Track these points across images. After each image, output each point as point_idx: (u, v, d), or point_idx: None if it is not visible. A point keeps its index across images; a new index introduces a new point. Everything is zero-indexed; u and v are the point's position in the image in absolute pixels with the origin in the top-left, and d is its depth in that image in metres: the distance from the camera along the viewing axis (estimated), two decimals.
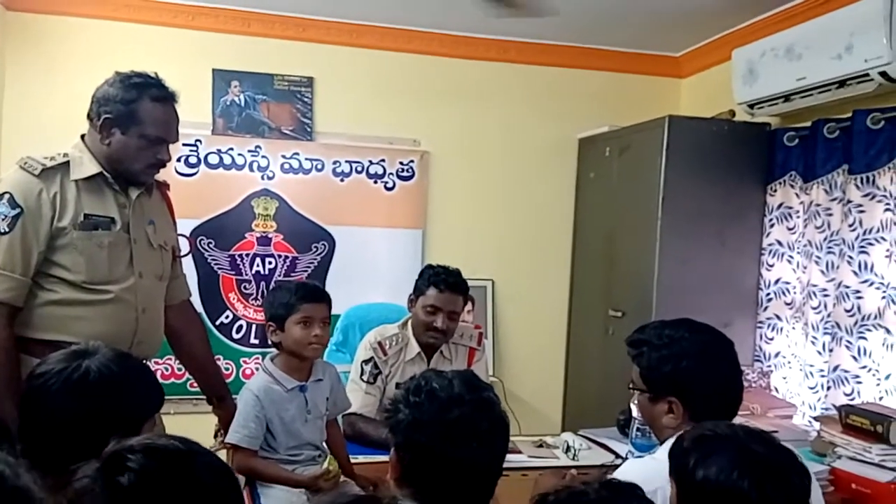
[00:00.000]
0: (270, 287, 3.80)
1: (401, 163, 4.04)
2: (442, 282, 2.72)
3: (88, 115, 2.15)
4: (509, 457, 1.98)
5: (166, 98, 2.16)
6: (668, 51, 4.21)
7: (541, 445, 2.65)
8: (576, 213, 4.23)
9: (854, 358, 2.93)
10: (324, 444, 2.33)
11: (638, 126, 3.62)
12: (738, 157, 3.44)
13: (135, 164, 2.15)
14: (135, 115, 2.10)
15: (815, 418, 2.74)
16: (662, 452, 1.76)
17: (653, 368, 1.81)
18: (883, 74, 2.69)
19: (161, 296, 2.32)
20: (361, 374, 2.74)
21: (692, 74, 4.21)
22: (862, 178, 2.92)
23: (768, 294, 3.45)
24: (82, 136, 2.19)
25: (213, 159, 3.82)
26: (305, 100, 3.93)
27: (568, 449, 2.58)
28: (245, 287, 3.88)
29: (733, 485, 1.26)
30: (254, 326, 3.88)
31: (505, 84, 4.15)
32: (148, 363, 2.14)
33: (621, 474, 1.66)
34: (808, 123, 3.21)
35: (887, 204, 2.83)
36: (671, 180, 3.36)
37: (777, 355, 3.39)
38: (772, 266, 3.43)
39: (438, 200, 4.11)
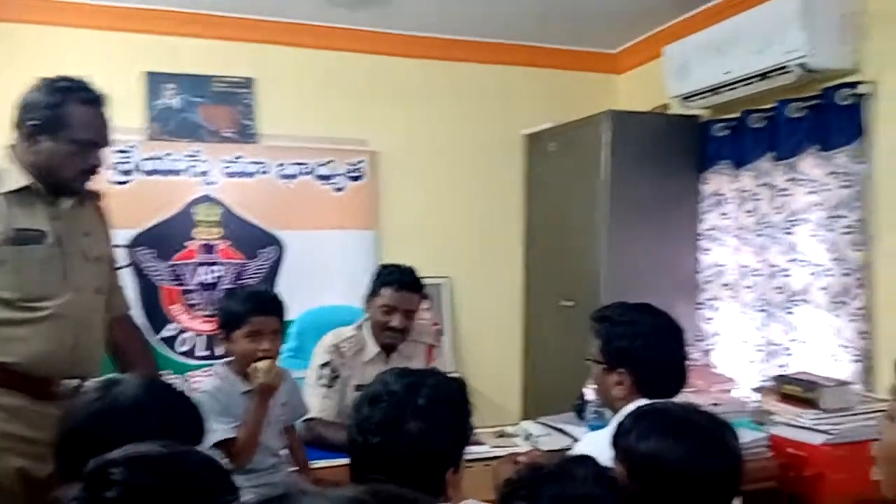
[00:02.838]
0: (219, 294, 3.79)
1: (349, 163, 4.13)
2: (396, 281, 2.81)
3: (15, 124, 2.14)
4: (472, 448, 2.10)
5: (95, 101, 2.17)
6: (605, 48, 4.51)
7: (501, 435, 2.80)
8: (526, 208, 4.48)
9: (785, 332, 3.31)
10: (283, 450, 2.37)
11: (580, 121, 3.94)
12: (674, 148, 3.80)
13: (66, 172, 2.14)
14: (63, 120, 2.10)
15: (754, 390, 3.07)
16: (614, 424, 2.07)
17: (610, 342, 2.11)
18: (802, 66, 3.03)
19: (100, 310, 2.31)
20: (319, 378, 2.81)
21: (628, 70, 4.53)
22: (786, 164, 3.29)
23: (706, 277, 3.82)
24: (11, 147, 2.16)
25: (149, 166, 3.80)
26: (246, 101, 3.98)
27: (528, 436, 2.76)
28: (189, 298, 3.87)
29: (673, 452, 1.40)
30: (200, 338, 3.88)
31: (450, 82, 4.34)
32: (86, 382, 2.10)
33: (578, 449, 1.91)
34: (736, 114, 3.58)
35: (809, 187, 3.20)
36: (613, 172, 3.70)
37: (716, 334, 3.77)
38: (708, 250, 3.81)
39: (389, 200, 4.24)
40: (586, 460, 1.26)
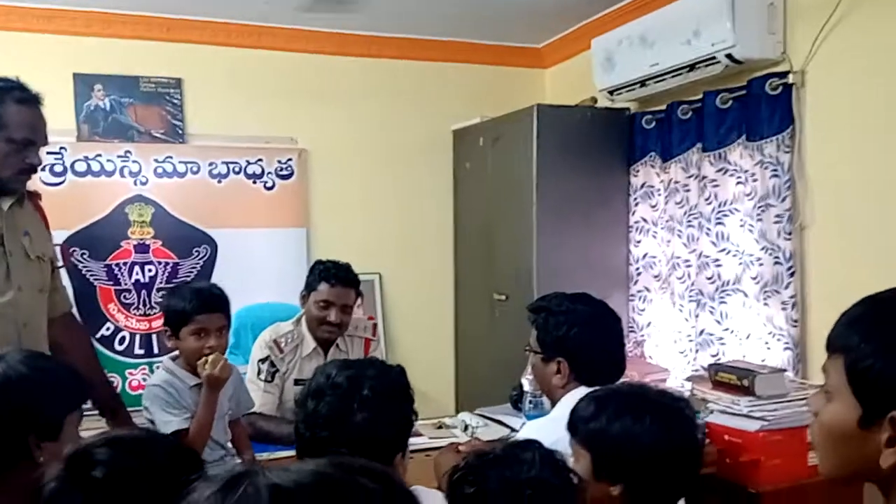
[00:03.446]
0: (157, 293, 3.71)
1: (279, 161, 3.98)
2: (332, 276, 2.73)
3: None
4: (411, 440, 2.03)
5: (30, 100, 2.08)
6: (531, 42, 4.35)
7: (440, 427, 2.71)
8: (455, 203, 4.32)
9: (717, 321, 3.15)
10: (228, 443, 2.30)
11: (508, 116, 3.74)
12: (602, 141, 3.63)
13: (4, 171, 2.06)
14: None
15: (687, 379, 2.93)
16: (556, 411, 1.93)
17: (548, 332, 2.02)
18: (729, 56, 2.88)
19: (43, 309, 2.23)
20: (259, 373, 2.72)
21: (555, 64, 4.37)
22: (714, 155, 3.14)
23: (637, 268, 3.65)
24: None
25: (81, 167, 3.66)
26: (175, 101, 3.81)
27: (466, 427, 2.66)
28: (125, 297, 3.73)
29: (645, 432, 1.35)
30: (137, 336, 3.75)
31: (378, 79, 4.17)
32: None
33: (520, 437, 1.79)
34: (664, 107, 3.42)
35: (739, 178, 3.05)
36: (542, 167, 3.50)
37: (648, 325, 3.60)
38: (639, 242, 3.64)
39: (320, 198, 4.09)
40: (532, 444, 1.19)
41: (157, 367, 2.36)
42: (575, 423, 1.45)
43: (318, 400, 1.38)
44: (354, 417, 1.35)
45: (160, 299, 3.55)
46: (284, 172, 4.00)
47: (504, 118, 3.79)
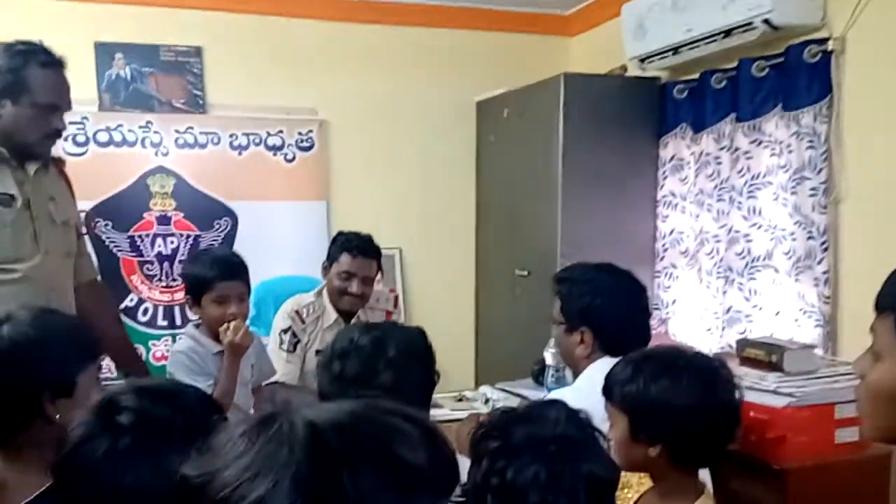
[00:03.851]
0: (178, 264, 3.71)
1: (300, 133, 3.95)
2: (355, 247, 2.74)
3: None
4: (433, 412, 2.04)
5: (55, 63, 2.11)
6: (557, 9, 4.26)
7: (461, 399, 2.74)
8: (478, 177, 4.27)
9: (746, 298, 3.10)
10: (251, 410, 2.32)
11: (534, 86, 3.67)
12: (631, 112, 3.56)
13: (30, 136, 2.09)
14: (24, 84, 2.04)
15: (714, 355, 2.89)
16: (580, 381, 1.93)
17: (571, 302, 2.00)
18: (766, 22, 2.79)
19: (69, 274, 2.29)
20: (281, 343, 2.75)
21: (582, 32, 4.27)
22: (749, 126, 3.06)
23: (664, 244, 3.59)
24: None
25: (103, 137, 3.66)
26: (195, 71, 3.79)
27: (487, 401, 2.66)
28: (148, 268, 3.76)
29: (684, 393, 1.36)
30: (160, 308, 3.77)
31: (401, 49, 4.11)
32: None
33: None
34: (697, 75, 3.34)
35: (773, 149, 2.98)
36: (569, 138, 3.44)
37: (674, 302, 3.55)
38: (666, 217, 3.58)
39: (340, 170, 4.06)
40: (556, 403, 1.18)
41: (180, 337, 2.40)
42: (611, 387, 1.45)
43: (343, 361, 1.41)
44: (380, 377, 1.39)
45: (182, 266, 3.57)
46: (305, 144, 3.97)
47: (529, 88, 3.72)
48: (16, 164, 2.10)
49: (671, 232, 3.56)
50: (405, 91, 4.12)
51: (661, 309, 3.59)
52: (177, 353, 2.24)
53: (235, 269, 2.26)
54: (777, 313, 2.99)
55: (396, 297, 3.03)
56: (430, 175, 4.21)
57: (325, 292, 2.82)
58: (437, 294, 4.25)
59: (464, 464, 1.22)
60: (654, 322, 3.44)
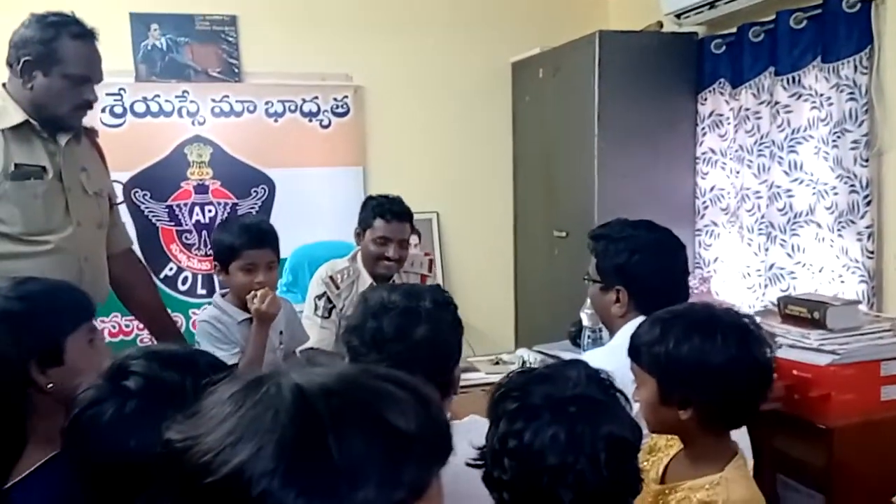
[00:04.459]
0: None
1: (335, 99, 3.94)
2: (388, 212, 2.73)
3: (7, 62, 2.10)
4: (468, 375, 2.04)
5: (86, 35, 2.10)
6: None
7: (497, 363, 2.74)
8: (514, 138, 4.22)
9: (788, 255, 3.05)
10: None
11: (569, 45, 3.61)
12: (669, 68, 3.49)
13: (61, 107, 2.09)
14: (55, 55, 2.04)
15: (756, 313, 2.85)
16: (616, 340, 1.90)
17: (607, 259, 1.96)
18: None
19: (102, 244, 2.30)
20: (315, 309, 2.75)
21: None
22: (788, 79, 2.99)
23: (704, 202, 3.54)
24: (4, 85, 2.12)
25: (140, 107, 3.68)
26: (230, 39, 3.79)
27: (523, 363, 2.65)
28: (186, 237, 3.79)
29: (718, 350, 1.30)
30: (199, 277, 3.82)
31: (434, 10, 4.05)
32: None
33: None
34: (734, 29, 3.26)
35: (813, 102, 2.92)
36: (605, 96, 3.39)
37: (715, 260, 3.51)
38: (706, 174, 3.52)
39: (376, 135, 4.04)
40: (578, 363, 1.16)
41: (205, 307, 2.44)
42: (637, 348, 1.40)
43: (379, 319, 1.40)
44: (418, 331, 1.39)
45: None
46: (340, 110, 3.97)
47: (564, 47, 3.66)
48: (47, 136, 2.11)
49: (711, 189, 3.51)
50: (440, 54, 4.08)
51: (702, 268, 3.55)
52: (202, 322, 2.26)
53: (264, 237, 2.25)
54: (820, 269, 2.94)
55: (431, 261, 3.02)
56: (467, 138, 4.17)
57: (359, 257, 2.82)
58: (476, 257, 4.24)
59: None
60: (695, 281, 3.43)
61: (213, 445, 0.61)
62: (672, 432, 1.41)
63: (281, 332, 2.33)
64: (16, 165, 2.04)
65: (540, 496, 1.03)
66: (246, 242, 2.18)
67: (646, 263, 1.91)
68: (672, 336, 1.33)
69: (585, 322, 2.53)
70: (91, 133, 2.34)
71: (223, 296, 2.30)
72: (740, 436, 1.88)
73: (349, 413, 0.62)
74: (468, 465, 1.10)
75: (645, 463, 1.44)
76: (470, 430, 1.18)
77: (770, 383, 1.38)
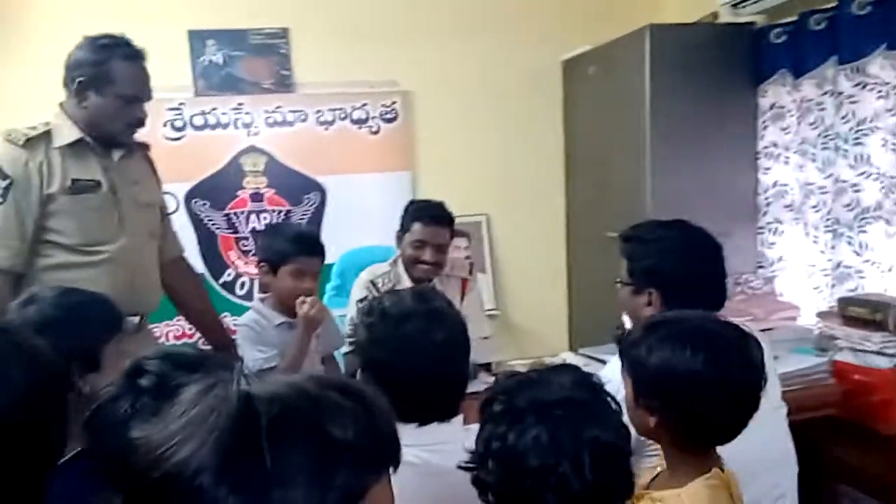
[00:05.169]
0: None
1: (383, 105, 3.98)
2: (426, 215, 2.73)
3: (64, 82, 2.22)
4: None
5: (136, 56, 2.21)
6: None
7: (539, 366, 2.65)
8: (565, 138, 4.16)
9: (856, 253, 2.90)
10: None
11: (619, 40, 3.53)
12: (726, 60, 3.37)
13: (114, 125, 2.20)
14: (108, 76, 2.15)
15: (817, 315, 2.72)
16: None
17: (638, 261, 1.92)
18: None
19: (154, 253, 2.41)
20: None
21: None
22: (852, 68, 2.86)
23: (767, 198, 3.40)
24: (61, 104, 2.24)
25: (199, 121, 3.80)
26: (282, 52, 3.87)
27: None
28: (243, 244, 3.89)
29: (687, 362, 1.24)
30: (256, 282, 3.85)
31: (480, 12, 4.02)
32: (145, 318, 2.34)
33: (606, 371, 1.73)
34: (794, 17, 3.13)
35: (879, 91, 2.78)
36: (657, 93, 3.30)
37: (779, 259, 3.36)
38: (769, 169, 3.38)
39: (425, 139, 4.05)
40: (568, 368, 1.16)
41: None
42: (624, 347, 1.37)
43: (402, 323, 1.38)
44: (437, 332, 1.38)
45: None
46: (389, 116, 4.00)
47: (614, 43, 3.57)
48: (101, 152, 2.22)
49: (774, 185, 3.37)
50: (488, 55, 4.05)
51: (765, 267, 3.41)
52: (241, 325, 2.33)
53: (317, 247, 2.35)
54: (890, 268, 2.79)
55: (472, 265, 2.99)
56: (517, 139, 4.13)
57: (399, 261, 2.82)
58: (527, 259, 4.19)
59: None
60: (758, 281, 3.31)
61: (161, 442, 0.66)
62: (647, 437, 1.37)
63: (317, 336, 2.36)
64: (72, 181, 2.16)
65: (524, 499, 1.04)
66: (300, 249, 2.27)
67: (677, 265, 1.85)
68: (649, 341, 1.30)
69: (628, 324, 2.45)
70: (143, 147, 2.44)
71: (263, 300, 2.37)
72: (782, 442, 1.79)
73: (287, 419, 0.66)
74: (459, 467, 1.11)
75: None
76: None
77: (749, 407, 1.29)
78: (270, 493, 0.63)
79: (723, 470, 1.30)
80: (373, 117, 3.98)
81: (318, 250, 2.33)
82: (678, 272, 1.84)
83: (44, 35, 3.47)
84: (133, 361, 1.15)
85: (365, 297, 2.76)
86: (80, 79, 2.15)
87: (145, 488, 0.67)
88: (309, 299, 2.20)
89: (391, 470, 0.74)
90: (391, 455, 0.74)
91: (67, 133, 2.17)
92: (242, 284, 3.91)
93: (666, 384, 1.26)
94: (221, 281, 3.88)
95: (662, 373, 1.26)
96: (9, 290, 2.09)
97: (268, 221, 3.89)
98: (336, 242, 3.63)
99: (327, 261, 3.45)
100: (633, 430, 1.20)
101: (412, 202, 2.87)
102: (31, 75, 3.29)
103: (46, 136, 2.16)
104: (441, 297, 1.53)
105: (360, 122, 3.97)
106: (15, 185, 2.10)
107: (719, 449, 1.39)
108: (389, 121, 4.01)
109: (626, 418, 1.17)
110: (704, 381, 1.24)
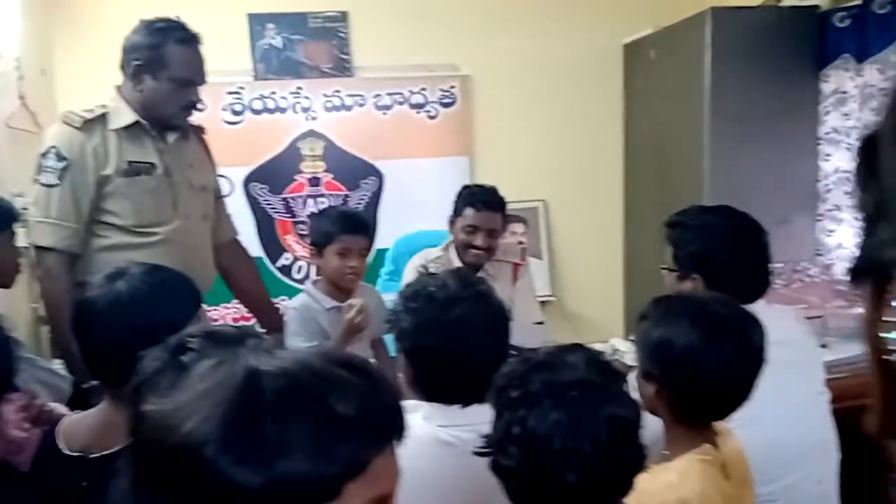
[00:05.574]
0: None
1: (441, 90, 4.03)
2: (478, 200, 2.76)
3: (121, 66, 2.27)
4: None
5: (190, 40, 2.26)
6: None
7: None
8: (625, 124, 4.17)
9: None
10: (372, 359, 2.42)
11: (681, 23, 3.52)
12: (787, 45, 3.35)
13: (168, 108, 2.27)
14: (162, 60, 2.21)
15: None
16: None
17: (682, 247, 1.97)
18: None
19: (207, 235, 2.48)
20: None
21: None
22: None
23: (827, 185, 3.38)
24: (117, 87, 2.30)
25: (258, 105, 3.89)
26: (341, 35, 3.94)
27: (615, 352, 2.65)
28: (301, 229, 3.98)
29: (685, 337, 1.32)
30: (313, 266, 4.00)
31: None
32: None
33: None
34: (859, 1, 3.10)
35: None
36: (718, 77, 3.30)
37: (838, 247, 3.34)
38: (829, 156, 3.36)
39: (483, 125, 4.09)
40: (578, 348, 1.17)
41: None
42: (636, 323, 1.46)
43: (454, 305, 1.43)
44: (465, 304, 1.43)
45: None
46: (447, 100, 4.05)
47: (676, 26, 3.57)
48: (156, 134, 2.28)
49: (835, 171, 3.35)
50: (548, 39, 4.06)
51: (823, 255, 3.40)
52: (291, 309, 2.41)
53: (360, 225, 2.42)
54: None
55: (524, 250, 3.04)
56: (576, 124, 4.15)
57: (451, 246, 2.88)
58: (584, 245, 4.23)
59: None
60: (816, 269, 3.31)
61: (169, 415, 0.71)
62: (651, 410, 1.41)
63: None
64: (128, 163, 2.22)
65: (546, 481, 1.07)
66: (343, 228, 2.34)
67: (721, 251, 1.89)
68: (654, 315, 1.39)
69: None
70: (198, 130, 2.50)
71: (315, 283, 2.44)
72: (823, 429, 1.84)
73: (291, 393, 0.71)
74: (475, 453, 1.14)
75: None
76: None
77: (744, 388, 1.36)
78: (273, 464, 0.68)
79: (717, 447, 1.36)
80: (431, 102, 4.03)
81: (361, 228, 2.40)
82: (721, 258, 1.89)
83: (108, 20, 3.50)
84: (177, 338, 1.17)
85: None
86: (136, 62, 2.21)
87: (155, 460, 0.72)
88: (359, 306, 2.26)
89: (395, 442, 0.78)
90: (395, 429, 0.78)
91: (123, 116, 2.23)
92: (299, 269, 4.01)
93: (664, 354, 1.34)
94: (279, 265, 3.98)
95: (662, 343, 1.35)
96: (65, 270, 2.16)
97: (325, 206, 3.93)
98: (393, 228, 3.80)
99: (382, 245, 3.64)
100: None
101: (465, 187, 2.91)
102: (94, 60, 3.37)
103: (103, 118, 2.22)
104: (481, 280, 1.58)
105: (418, 106, 4.03)
106: (71, 166, 2.16)
107: (757, 433, 1.44)
108: (448, 105, 4.06)
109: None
110: (700, 355, 1.31)
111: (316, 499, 0.71)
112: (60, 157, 2.17)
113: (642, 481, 1.15)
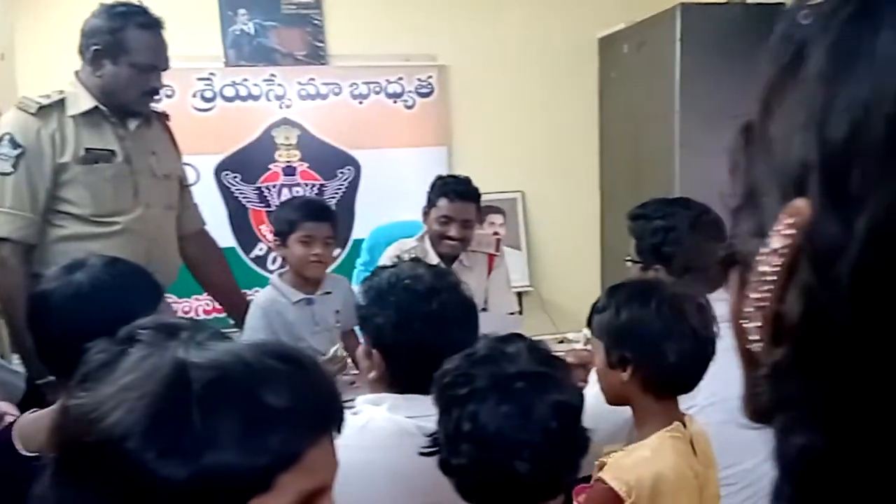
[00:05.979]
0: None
1: (419, 79, 4.03)
2: (452, 191, 2.80)
3: (79, 50, 2.23)
4: None
5: (152, 24, 2.22)
6: None
7: (562, 341, 2.78)
8: (601, 116, 4.23)
9: None
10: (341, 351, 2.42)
11: (652, 18, 3.60)
12: (754, 40, 3.46)
13: (128, 94, 2.23)
14: (122, 44, 2.17)
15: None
16: None
17: (645, 239, 2.05)
18: None
19: (171, 225, 2.43)
20: None
21: None
22: None
23: None
24: (76, 73, 2.25)
25: (229, 92, 3.84)
26: (315, 22, 3.92)
27: (587, 342, 2.73)
28: None
29: (653, 314, 1.37)
30: None
31: None
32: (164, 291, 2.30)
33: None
34: None
35: None
36: (687, 71, 3.40)
37: None
38: None
39: (461, 115, 4.12)
40: (515, 337, 1.20)
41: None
42: (590, 316, 1.49)
43: (434, 296, 1.44)
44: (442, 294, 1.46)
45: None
46: (424, 90, 4.06)
47: (648, 21, 3.65)
48: (116, 121, 2.24)
49: None
50: (525, 31, 4.11)
51: None
52: (255, 306, 2.39)
53: (323, 212, 2.42)
54: None
55: (499, 241, 3.10)
56: (552, 116, 4.19)
57: (426, 237, 2.92)
58: (562, 236, 4.29)
59: None
60: None
61: (94, 407, 0.70)
62: (620, 400, 1.45)
63: (338, 311, 2.45)
64: (86, 150, 2.18)
65: (498, 474, 1.08)
66: (305, 215, 2.34)
67: (682, 242, 1.98)
68: (615, 302, 1.43)
69: None
70: (162, 117, 2.46)
71: (281, 276, 2.44)
72: None
73: (219, 385, 0.71)
74: (421, 454, 1.14)
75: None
76: None
77: (703, 362, 1.41)
78: (200, 456, 0.67)
79: (685, 425, 1.41)
80: (408, 91, 4.04)
81: (324, 215, 2.39)
82: (682, 248, 1.98)
83: (71, 3, 3.26)
84: (126, 329, 1.15)
85: None
86: (95, 47, 2.17)
87: (78, 455, 0.71)
88: (336, 356, 2.26)
89: (332, 434, 0.78)
90: (331, 419, 0.78)
91: (82, 101, 2.19)
92: (274, 259, 3.93)
93: (637, 333, 1.38)
94: (252, 255, 3.95)
95: (633, 323, 1.39)
96: (20, 261, 2.12)
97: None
98: (370, 218, 3.81)
99: (358, 235, 3.68)
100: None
101: (439, 178, 2.94)
102: (57, 45, 3.25)
103: (60, 104, 2.17)
104: (447, 270, 1.62)
105: (395, 96, 4.03)
106: (27, 154, 2.10)
107: (716, 416, 1.51)
108: (425, 95, 4.06)
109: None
110: (671, 329, 1.36)
111: (246, 491, 0.70)
112: (15, 145, 2.11)
113: (618, 458, 1.19)
